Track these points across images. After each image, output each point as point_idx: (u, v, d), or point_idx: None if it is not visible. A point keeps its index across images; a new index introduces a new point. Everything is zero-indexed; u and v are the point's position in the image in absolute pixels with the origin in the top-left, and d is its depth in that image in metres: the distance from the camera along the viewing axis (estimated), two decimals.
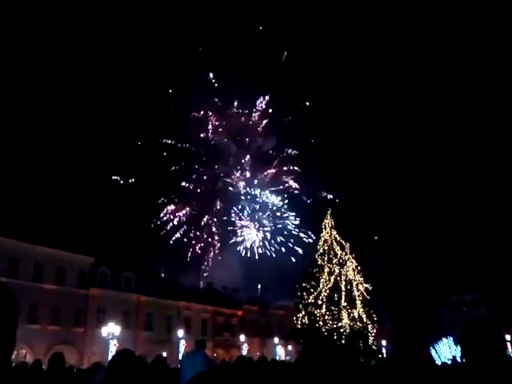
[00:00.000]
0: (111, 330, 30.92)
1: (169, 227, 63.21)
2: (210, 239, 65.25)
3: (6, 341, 1.31)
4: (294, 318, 35.88)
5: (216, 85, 64.41)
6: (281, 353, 48.16)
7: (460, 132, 59.17)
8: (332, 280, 35.50)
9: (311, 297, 35.45)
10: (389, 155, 61.81)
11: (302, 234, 65.79)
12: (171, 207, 63.26)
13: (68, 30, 62.03)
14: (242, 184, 66.42)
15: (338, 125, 64.15)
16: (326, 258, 36.69)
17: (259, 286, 58.04)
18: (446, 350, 39.03)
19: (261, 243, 65.40)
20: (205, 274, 59.49)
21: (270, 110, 67.26)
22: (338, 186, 59.33)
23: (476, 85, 59.32)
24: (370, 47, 68.15)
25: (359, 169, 61.13)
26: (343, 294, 35.07)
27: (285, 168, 67.53)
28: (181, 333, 39.69)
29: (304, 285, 36.36)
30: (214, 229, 65.68)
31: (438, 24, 64.22)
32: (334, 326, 33.99)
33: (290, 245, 65.36)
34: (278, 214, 66.70)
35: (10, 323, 1.33)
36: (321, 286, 35.49)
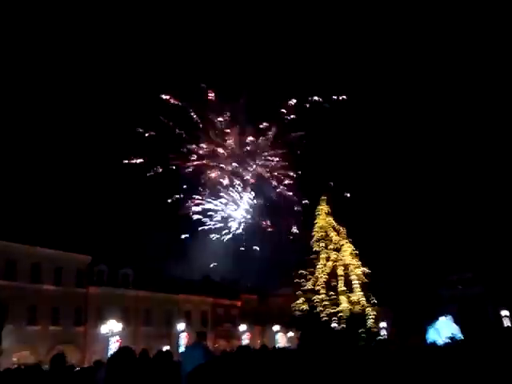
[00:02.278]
0: (111, 327, 31.02)
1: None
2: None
3: None
4: (293, 304, 36.11)
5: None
6: (282, 340, 48.53)
7: (460, 116, 59.35)
8: (329, 265, 35.70)
9: (309, 283, 35.65)
10: (385, 138, 61.87)
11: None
12: None
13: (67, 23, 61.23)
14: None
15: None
16: (321, 244, 36.84)
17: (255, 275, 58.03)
18: (444, 329, 39.44)
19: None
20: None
21: None
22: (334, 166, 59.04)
23: (474, 82, 59.47)
24: (370, 46, 67.94)
25: (354, 152, 61.10)
26: (341, 278, 35.29)
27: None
28: (181, 326, 39.91)
29: (301, 272, 36.55)
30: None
31: (437, 24, 64.19)
32: (333, 310, 34.24)
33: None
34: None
35: None
36: (318, 272, 35.69)
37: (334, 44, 64.38)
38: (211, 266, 52.64)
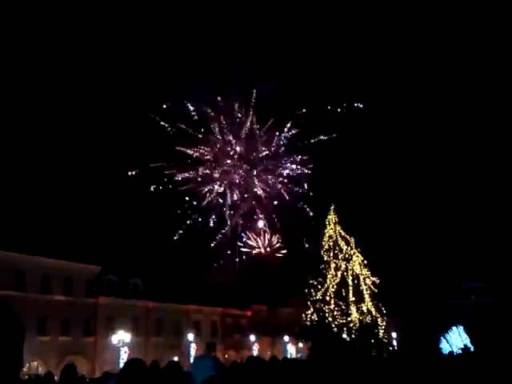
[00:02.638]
0: (121, 337, 31.04)
1: None
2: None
3: (12, 361, 1.31)
4: (303, 315, 35.90)
5: None
6: (292, 351, 48.19)
7: (464, 116, 58.94)
8: (339, 275, 35.52)
9: (319, 293, 35.48)
10: (394, 144, 61.55)
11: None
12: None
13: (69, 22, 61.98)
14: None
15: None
16: (331, 254, 36.69)
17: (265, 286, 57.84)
18: (456, 339, 38.98)
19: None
20: None
21: None
22: (341, 178, 58.78)
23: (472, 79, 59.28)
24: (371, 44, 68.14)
25: (362, 158, 60.78)
26: (351, 288, 35.07)
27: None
28: (191, 336, 39.79)
29: (311, 282, 36.42)
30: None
31: (437, 26, 64.23)
32: (344, 321, 34.00)
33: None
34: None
35: (15, 343, 1.34)
36: (328, 282, 35.51)
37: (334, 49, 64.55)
38: (226, 275, 52.70)
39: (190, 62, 71.88)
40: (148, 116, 57.29)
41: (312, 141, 60.26)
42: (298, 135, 61.10)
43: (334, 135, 58.48)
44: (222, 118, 60.91)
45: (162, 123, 58.42)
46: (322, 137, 59.56)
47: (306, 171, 60.72)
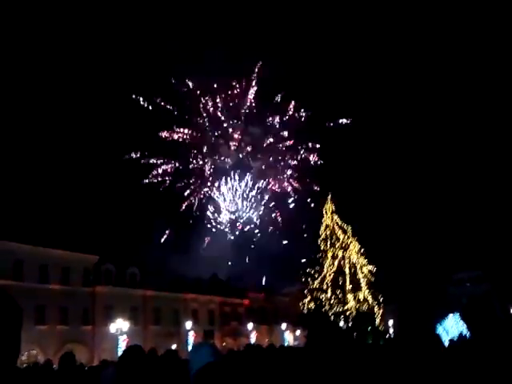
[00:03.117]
0: (119, 326, 31.17)
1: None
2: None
3: (10, 347, 1.32)
4: (300, 303, 36.13)
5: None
6: (289, 338, 48.50)
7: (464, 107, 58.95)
8: (336, 264, 35.69)
9: (316, 282, 35.67)
10: (389, 135, 61.53)
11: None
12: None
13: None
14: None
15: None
16: (328, 243, 36.83)
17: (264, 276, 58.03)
18: (452, 326, 39.26)
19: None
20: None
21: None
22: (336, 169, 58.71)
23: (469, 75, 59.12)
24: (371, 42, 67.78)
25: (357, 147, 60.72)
26: (347, 277, 35.27)
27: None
28: (189, 325, 39.98)
29: (308, 270, 36.59)
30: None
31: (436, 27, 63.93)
32: (341, 309, 34.23)
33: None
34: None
35: (13, 330, 1.34)
36: (325, 271, 35.70)
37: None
38: (223, 264, 52.70)
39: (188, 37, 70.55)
40: (133, 97, 56.51)
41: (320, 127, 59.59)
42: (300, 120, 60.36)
43: (346, 121, 57.27)
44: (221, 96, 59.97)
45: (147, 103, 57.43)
46: (330, 124, 58.56)
47: (313, 159, 60.00)
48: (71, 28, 60.79)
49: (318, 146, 58.44)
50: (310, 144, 58.97)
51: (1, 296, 1.34)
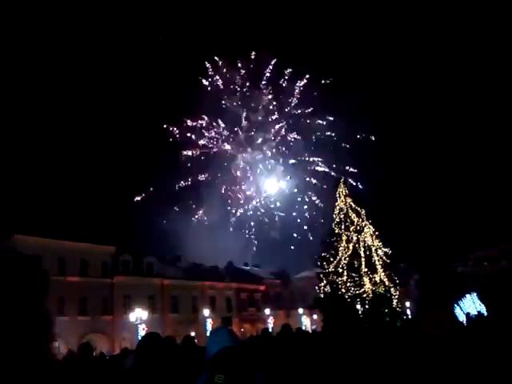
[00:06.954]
0: (138, 315, 31.58)
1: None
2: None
3: (38, 319, 1.03)
4: (317, 287, 36.16)
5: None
6: (306, 323, 48.76)
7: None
8: (350, 247, 35.54)
9: (331, 266, 35.61)
10: (406, 113, 60.89)
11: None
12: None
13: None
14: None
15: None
16: (342, 227, 36.65)
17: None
18: (470, 306, 39.08)
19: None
20: None
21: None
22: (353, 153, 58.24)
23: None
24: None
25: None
26: (363, 260, 35.13)
27: None
28: (206, 312, 40.42)
29: (323, 255, 36.53)
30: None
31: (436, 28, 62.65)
32: (357, 292, 34.18)
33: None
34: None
35: (38, 296, 1.06)
36: (340, 255, 35.59)
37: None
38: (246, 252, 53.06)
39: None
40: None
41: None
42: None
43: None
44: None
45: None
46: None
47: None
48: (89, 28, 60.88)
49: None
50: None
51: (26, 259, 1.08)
